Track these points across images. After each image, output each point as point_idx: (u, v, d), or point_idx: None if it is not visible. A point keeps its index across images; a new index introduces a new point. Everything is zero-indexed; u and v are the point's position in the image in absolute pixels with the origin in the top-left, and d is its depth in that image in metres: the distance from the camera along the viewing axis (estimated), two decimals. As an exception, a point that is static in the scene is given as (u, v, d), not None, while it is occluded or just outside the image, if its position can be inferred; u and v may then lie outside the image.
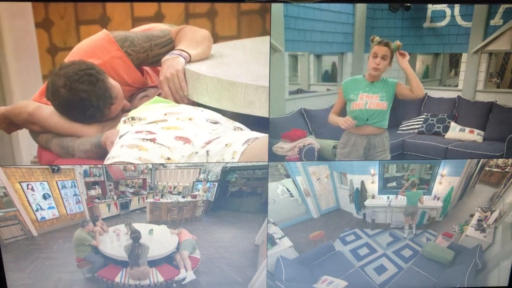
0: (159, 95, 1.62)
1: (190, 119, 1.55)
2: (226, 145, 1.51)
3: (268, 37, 1.48)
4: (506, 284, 1.85)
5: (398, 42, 1.51)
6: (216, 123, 1.57)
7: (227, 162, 1.54)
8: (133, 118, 1.55)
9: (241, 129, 1.60)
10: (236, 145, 1.51)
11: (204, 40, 1.54)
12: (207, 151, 1.52)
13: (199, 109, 1.59)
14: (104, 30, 1.49)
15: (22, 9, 1.41)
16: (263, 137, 1.56)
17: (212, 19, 1.49)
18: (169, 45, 1.60)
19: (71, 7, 1.43)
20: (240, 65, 1.52)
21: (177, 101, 1.60)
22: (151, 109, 1.56)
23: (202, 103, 1.58)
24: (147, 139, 1.48)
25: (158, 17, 1.51)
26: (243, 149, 1.51)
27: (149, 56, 1.59)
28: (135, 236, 1.66)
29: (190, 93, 1.59)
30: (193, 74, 1.56)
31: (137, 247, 1.66)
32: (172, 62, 1.56)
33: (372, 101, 1.59)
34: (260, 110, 1.54)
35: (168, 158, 1.49)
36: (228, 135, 1.56)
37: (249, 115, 1.55)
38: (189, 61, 1.58)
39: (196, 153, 1.52)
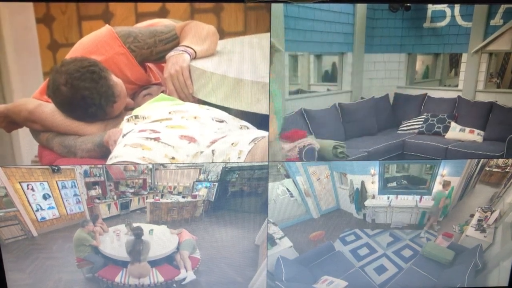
0: (162, 92, 1.60)
1: (195, 117, 1.53)
2: (232, 144, 1.50)
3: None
4: (506, 284, 1.85)
5: None
6: (222, 121, 1.55)
7: (227, 162, 1.53)
8: (136, 117, 1.53)
9: (248, 128, 1.58)
10: (242, 144, 1.50)
11: (210, 36, 1.51)
12: (213, 151, 1.50)
13: (205, 107, 1.57)
14: (107, 25, 1.46)
15: (22, 4, 1.39)
16: (267, 135, 1.55)
17: (218, 15, 1.46)
18: (173, 41, 1.56)
19: (73, 2, 1.40)
20: (247, 62, 1.49)
21: (182, 99, 1.57)
22: (155, 108, 1.55)
23: (207, 101, 1.56)
24: (151, 138, 1.47)
25: (163, 13, 1.48)
26: (250, 148, 1.49)
27: (153, 53, 1.56)
28: (137, 232, 1.66)
29: (195, 90, 1.57)
30: (199, 71, 1.53)
31: (139, 243, 1.66)
32: (176, 59, 1.53)
33: None
34: (267, 108, 1.53)
35: (173, 158, 1.47)
36: (234, 134, 1.54)
37: (255, 113, 1.53)
38: (194, 57, 1.55)
39: (201, 152, 1.50)
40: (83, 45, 1.47)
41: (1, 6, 1.37)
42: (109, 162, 1.47)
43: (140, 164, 1.47)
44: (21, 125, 1.55)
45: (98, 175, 1.62)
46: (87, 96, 1.46)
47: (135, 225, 1.67)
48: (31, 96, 1.53)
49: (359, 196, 1.74)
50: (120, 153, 1.44)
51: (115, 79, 1.51)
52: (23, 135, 1.56)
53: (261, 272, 1.75)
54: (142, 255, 1.67)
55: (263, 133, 1.55)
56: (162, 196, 1.68)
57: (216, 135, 1.52)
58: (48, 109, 1.52)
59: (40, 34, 1.43)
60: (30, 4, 1.39)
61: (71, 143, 1.53)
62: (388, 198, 1.76)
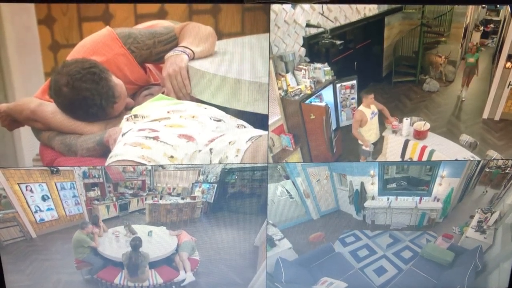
0: (163, 93, 1.60)
1: (193, 116, 1.54)
2: (229, 143, 1.50)
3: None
4: (506, 286, 1.84)
5: None
6: (219, 120, 1.56)
7: (226, 164, 1.53)
8: (135, 116, 1.54)
9: (245, 127, 1.59)
10: (240, 143, 1.50)
11: (208, 37, 1.52)
12: (210, 149, 1.51)
13: (203, 106, 1.58)
14: (107, 27, 1.47)
15: (24, 6, 1.40)
16: (266, 135, 1.56)
17: (215, 16, 1.47)
18: (172, 42, 1.58)
19: (74, 3, 1.41)
20: (244, 62, 1.50)
21: (179, 99, 1.59)
22: (154, 107, 1.56)
23: (205, 100, 1.57)
24: (150, 137, 1.47)
25: (162, 14, 1.50)
26: (247, 147, 1.50)
27: (152, 53, 1.57)
28: (135, 244, 1.65)
29: (193, 90, 1.58)
30: (197, 71, 1.54)
31: (137, 256, 1.65)
32: (175, 59, 1.55)
33: None
34: (264, 108, 1.53)
35: (172, 156, 1.48)
36: (232, 132, 1.55)
37: (252, 113, 1.54)
38: (192, 58, 1.56)
39: (199, 151, 1.51)
40: (84, 46, 1.48)
41: (3, 7, 1.38)
42: (109, 160, 1.47)
43: (139, 164, 1.47)
44: (23, 124, 1.56)
45: (97, 176, 1.62)
46: (88, 97, 1.47)
47: (134, 230, 1.67)
48: (32, 95, 1.54)
49: (359, 197, 1.74)
50: (120, 152, 1.45)
51: (116, 80, 1.52)
52: (25, 134, 1.57)
53: (260, 273, 1.75)
54: (139, 268, 1.66)
55: (260, 132, 1.55)
56: (161, 198, 1.68)
57: (214, 134, 1.53)
58: (50, 109, 1.53)
59: (41, 35, 1.44)
60: (32, 5, 1.40)
61: (72, 142, 1.54)
62: (388, 199, 1.75)
